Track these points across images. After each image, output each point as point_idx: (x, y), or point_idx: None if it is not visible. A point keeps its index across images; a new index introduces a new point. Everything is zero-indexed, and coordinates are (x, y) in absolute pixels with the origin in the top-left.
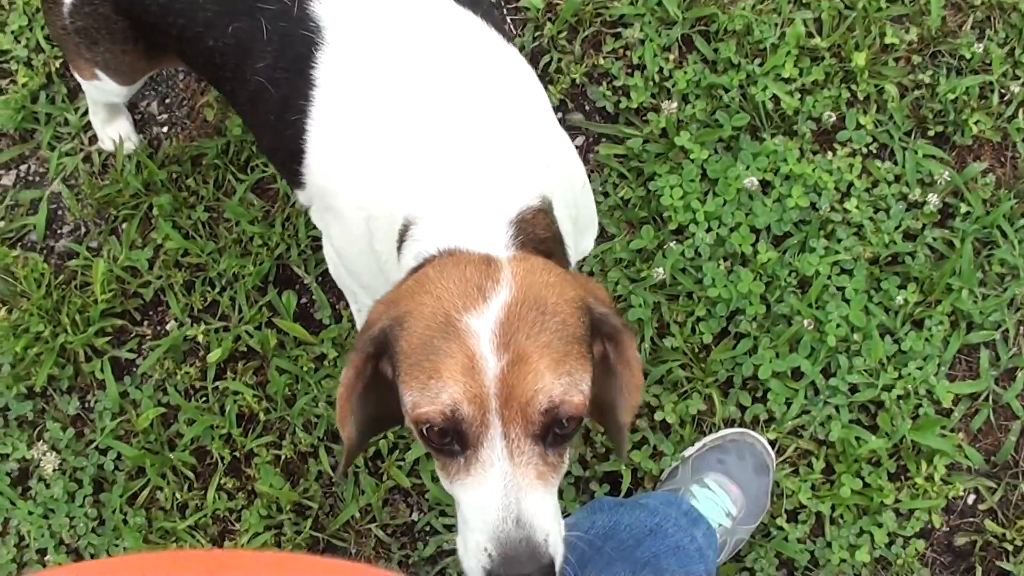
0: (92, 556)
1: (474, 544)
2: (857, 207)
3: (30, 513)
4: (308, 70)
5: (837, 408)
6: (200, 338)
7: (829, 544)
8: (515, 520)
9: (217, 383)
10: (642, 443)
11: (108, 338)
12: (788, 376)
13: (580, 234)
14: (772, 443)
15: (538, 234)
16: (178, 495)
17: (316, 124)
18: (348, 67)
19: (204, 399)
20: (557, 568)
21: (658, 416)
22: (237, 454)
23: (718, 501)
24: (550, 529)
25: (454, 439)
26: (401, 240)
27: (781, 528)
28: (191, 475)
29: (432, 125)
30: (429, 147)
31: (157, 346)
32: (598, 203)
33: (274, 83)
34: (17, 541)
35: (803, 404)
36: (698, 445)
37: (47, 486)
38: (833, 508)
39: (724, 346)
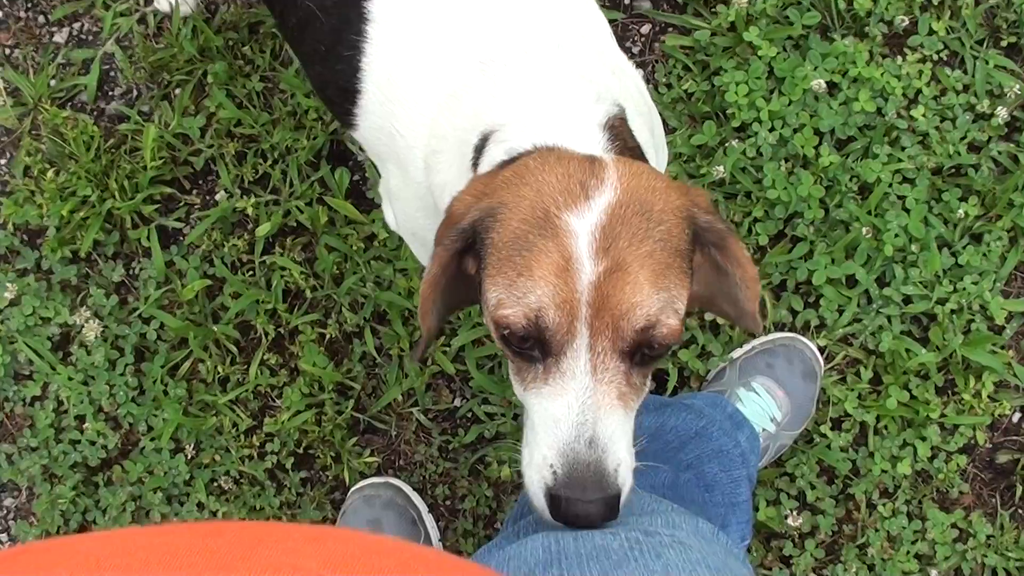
0: (131, 425)
1: (540, 458)
2: (923, 115)
3: (70, 379)
4: (362, 1)
5: (889, 318)
6: (249, 211)
7: (872, 454)
8: (588, 440)
9: (264, 258)
10: (690, 342)
11: (156, 206)
12: (842, 283)
13: (656, 152)
14: (821, 350)
15: (627, 142)
16: (220, 368)
17: (373, 62)
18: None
19: (251, 273)
20: (623, 501)
21: (708, 316)
22: (281, 330)
23: (764, 405)
24: (622, 459)
25: (535, 345)
26: (478, 154)
27: (824, 436)
28: (234, 349)
29: (494, 43)
30: (498, 63)
31: (205, 216)
32: (661, 95)
33: (325, 11)
34: (56, 406)
35: (855, 312)
36: (747, 347)
37: (88, 352)
38: (878, 419)
39: (780, 249)
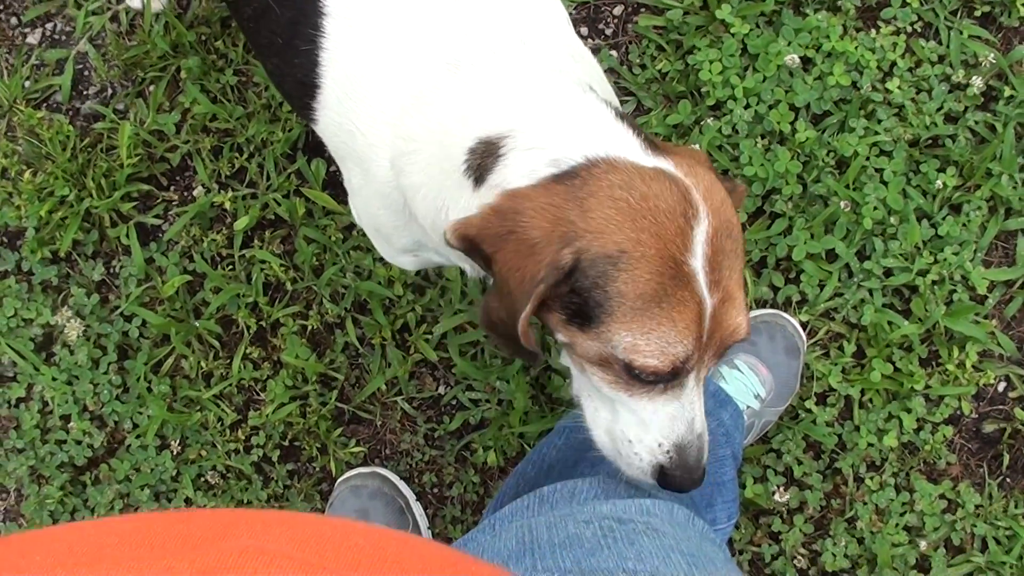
0: (116, 423)
1: (654, 444)
2: (899, 87)
3: (54, 379)
4: None
5: (871, 292)
6: (227, 205)
7: (857, 428)
8: (697, 434)
9: (244, 251)
10: None
11: (134, 203)
12: (822, 258)
13: None
14: (804, 325)
15: (643, 130)
16: (203, 364)
17: (331, 57)
18: None
19: (231, 267)
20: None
21: None
22: (263, 323)
23: (747, 382)
24: (704, 428)
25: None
26: (483, 161)
27: (809, 411)
28: (216, 344)
29: (457, 42)
30: (467, 64)
31: (184, 212)
32: (635, 75)
33: (280, 3)
34: (41, 407)
35: (836, 287)
36: None
37: (71, 352)
38: (863, 392)
39: (759, 225)
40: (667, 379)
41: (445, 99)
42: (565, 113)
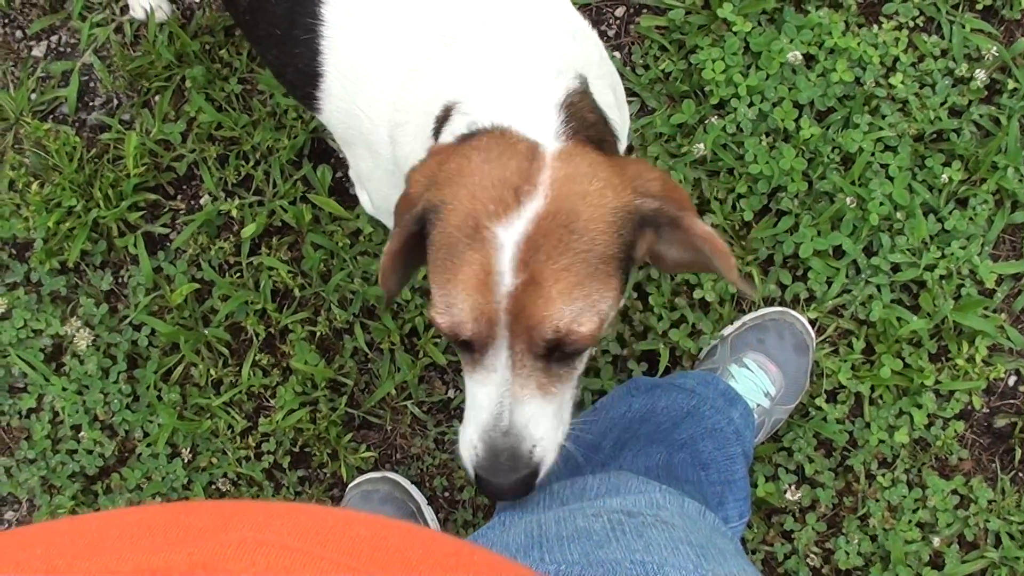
0: (126, 432)
1: (468, 438)
2: (902, 82)
3: (64, 389)
4: None
5: (879, 287)
6: (234, 213)
7: (868, 425)
8: (504, 429)
9: (251, 259)
10: (680, 322)
11: (141, 213)
12: (829, 254)
13: (620, 110)
14: (812, 322)
15: (587, 118)
16: (212, 371)
17: (332, 44)
18: None
19: (239, 275)
20: (541, 475)
21: (697, 294)
22: (272, 330)
23: (757, 381)
24: (541, 436)
25: (462, 342)
26: (440, 124)
27: (820, 408)
28: (225, 351)
29: (455, 16)
30: (461, 37)
31: (191, 221)
32: (639, 76)
33: None
34: (52, 417)
35: (844, 283)
36: (737, 324)
37: (81, 362)
38: (873, 389)
39: (765, 223)
40: (472, 350)
41: (434, 70)
42: (508, 87)
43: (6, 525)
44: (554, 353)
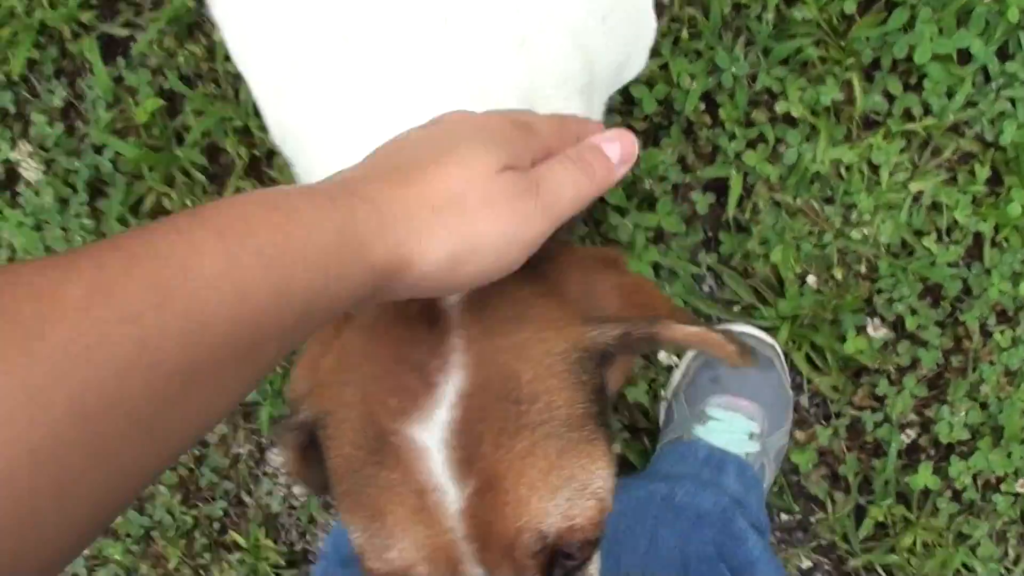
0: None
1: None
2: None
3: (20, 224)
4: None
5: (1013, 102)
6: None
7: (987, 271)
8: None
9: (229, 64)
10: (758, 141)
11: (96, 11)
12: (952, 59)
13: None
14: (925, 143)
15: None
16: (188, 201)
17: None
18: None
19: (215, 85)
20: None
21: (780, 108)
22: (256, 152)
23: (733, 427)
24: None
25: None
26: None
27: (928, 250)
28: (203, 178)
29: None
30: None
31: (155, 19)
32: None
33: None
34: (10, 255)
35: (970, 94)
36: (680, 373)
37: (36, 193)
38: (996, 229)
39: (871, 19)
40: None
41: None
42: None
43: None
44: (554, 570)
